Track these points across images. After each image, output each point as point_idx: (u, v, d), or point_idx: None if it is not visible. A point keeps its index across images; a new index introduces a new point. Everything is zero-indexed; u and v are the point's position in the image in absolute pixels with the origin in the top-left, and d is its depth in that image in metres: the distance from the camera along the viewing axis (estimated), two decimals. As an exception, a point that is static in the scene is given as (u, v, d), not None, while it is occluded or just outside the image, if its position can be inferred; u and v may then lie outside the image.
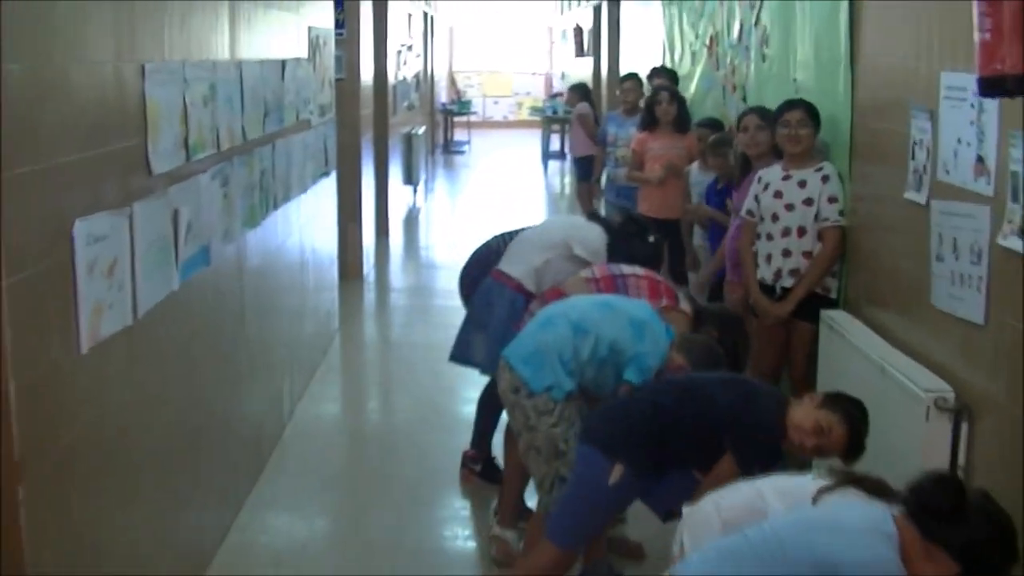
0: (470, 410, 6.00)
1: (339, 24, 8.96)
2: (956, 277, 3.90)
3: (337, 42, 8.71)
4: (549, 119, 21.32)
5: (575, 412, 4.34)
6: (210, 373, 4.77)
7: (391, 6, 12.17)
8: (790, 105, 5.31)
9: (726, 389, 3.85)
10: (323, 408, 7.04)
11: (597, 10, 17.32)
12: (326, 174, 7.77)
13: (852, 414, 3.65)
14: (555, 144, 21.49)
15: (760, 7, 6.64)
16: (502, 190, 17.36)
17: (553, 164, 20.80)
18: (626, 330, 4.30)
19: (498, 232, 5.78)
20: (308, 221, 7.11)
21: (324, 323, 7.95)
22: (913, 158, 4.29)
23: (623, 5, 14.33)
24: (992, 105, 3.60)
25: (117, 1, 3.58)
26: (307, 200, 6.97)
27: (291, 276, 6.69)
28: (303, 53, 6.79)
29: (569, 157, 20.06)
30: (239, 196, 5.03)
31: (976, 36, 3.32)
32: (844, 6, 5.09)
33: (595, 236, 5.29)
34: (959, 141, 3.87)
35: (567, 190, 17.98)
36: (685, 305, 4.65)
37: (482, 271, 5.44)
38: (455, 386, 7.02)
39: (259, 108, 5.43)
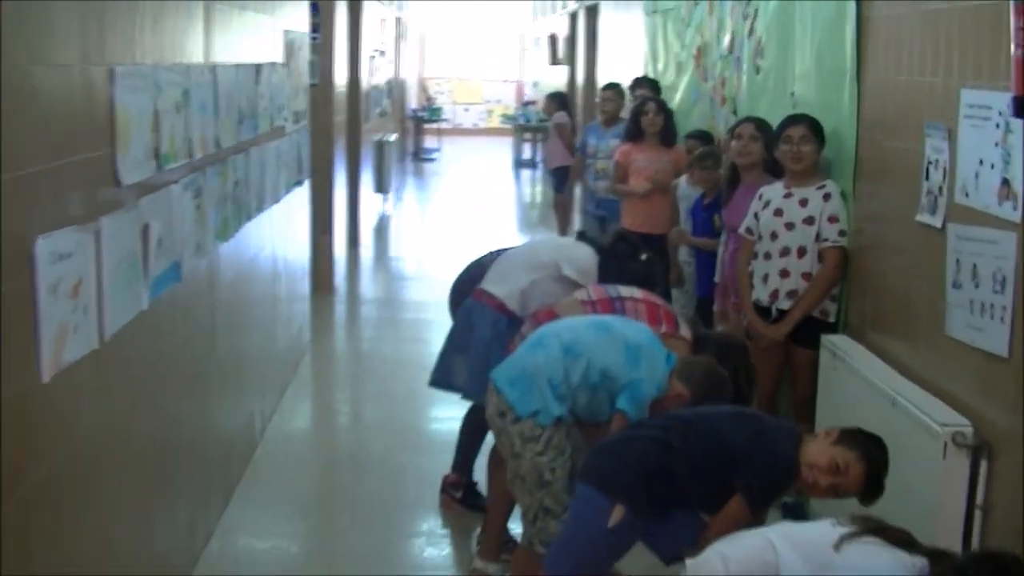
0: (445, 429, 5.81)
1: (314, 28, 8.69)
2: (976, 306, 3.68)
3: (311, 47, 8.44)
4: (521, 127, 21.13)
5: (564, 440, 4.11)
6: (181, 394, 4.51)
7: (365, 11, 11.91)
8: (793, 120, 5.09)
9: (735, 425, 3.61)
10: (295, 426, 6.78)
11: (573, 18, 17.12)
12: (299, 183, 7.50)
13: (871, 452, 3.42)
14: (527, 153, 21.31)
15: (755, 17, 6.41)
16: (473, 199, 17.13)
17: (524, 173, 20.60)
18: (620, 355, 4.07)
19: (489, 249, 5.54)
20: (281, 232, 6.84)
21: (296, 337, 7.68)
22: (927, 178, 4.07)
23: (601, 13, 14.11)
24: (1020, 125, 3.39)
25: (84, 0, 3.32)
26: (280, 210, 6.70)
27: (263, 290, 6.42)
28: (278, 57, 6.53)
29: (542, 167, 19.93)
30: (212, 208, 4.76)
31: (1012, 51, 3.12)
32: (850, 17, 4.86)
33: (585, 256, 5.06)
34: (981, 162, 3.65)
35: (538, 199, 17.77)
36: (685, 331, 4.41)
37: (473, 289, 5.20)
38: (429, 404, 6.80)
39: (233, 115, 5.16)
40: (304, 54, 7.68)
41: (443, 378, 5.20)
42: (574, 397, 4.11)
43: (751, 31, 6.49)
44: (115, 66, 3.49)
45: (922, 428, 3.80)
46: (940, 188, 3.97)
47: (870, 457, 3.41)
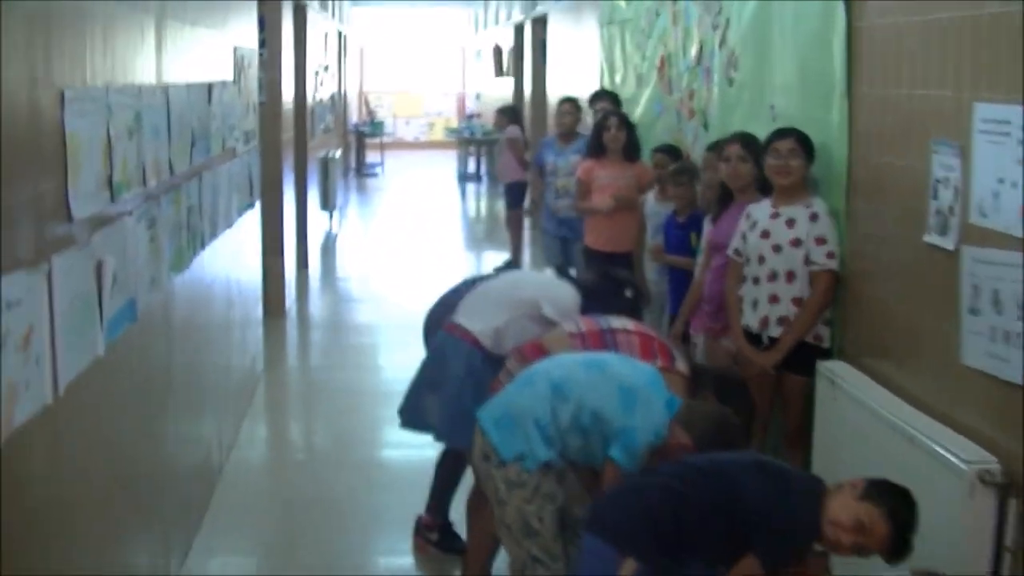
0: (407, 461, 5.52)
1: (260, 44, 8.35)
2: (998, 334, 3.45)
3: (259, 63, 8.10)
4: (466, 140, 20.83)
5: (555, 487, 3.82)
6: (138, 438, 4.19)
7: (309, 25, 11.58)
8: (781, 133, 4.81)
9: (753, 476, 3.34)
10: (254, 462, 6.44)
11: (519, 29, 16.86)
12: (251, 205, 7.16)
13: (898, 508, 3.18)
14: (471, 166, 21.04)
15: (726, 27, 6.16)
16: (418, 214, 16.79)
17: (469, 187, 20.33)
18: (614, 398, 3.77)
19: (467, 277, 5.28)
20: (234, 258, 6.50)
21: (250, 366, 7.33)
22: (935, 198, 3.83)
23: (550, 24, 13.85)
24: (1047, 141, 3.17)
25: (32, 16, 2.99)
26: (232, 235, 6.35)
27: (219, 320, 6.08)
28: (229, 75, 6.19)
29: (487, 181, 19.68)
30: (166, 238, 4.43)
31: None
32: (839, 27, 4.62)
33: (567, 296, 4.78)
34: (1001, 181, 3.42)
35: (484, 213, 17.51)
36: (681, 365, 4.13)
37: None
38: (388, 435, 6.58)
39: (186, 137, 4.82)
40: (253, 71, 7.35)
41: (414, 418, 4.89)
42: (564, 440, 3.82)
43: (722, 42, 6.24)
44: (64, 89, 3.17)
45: (942, 464, 3.55)
46: (951, 208, 3.73)
47: (896, 514, 3.17)
